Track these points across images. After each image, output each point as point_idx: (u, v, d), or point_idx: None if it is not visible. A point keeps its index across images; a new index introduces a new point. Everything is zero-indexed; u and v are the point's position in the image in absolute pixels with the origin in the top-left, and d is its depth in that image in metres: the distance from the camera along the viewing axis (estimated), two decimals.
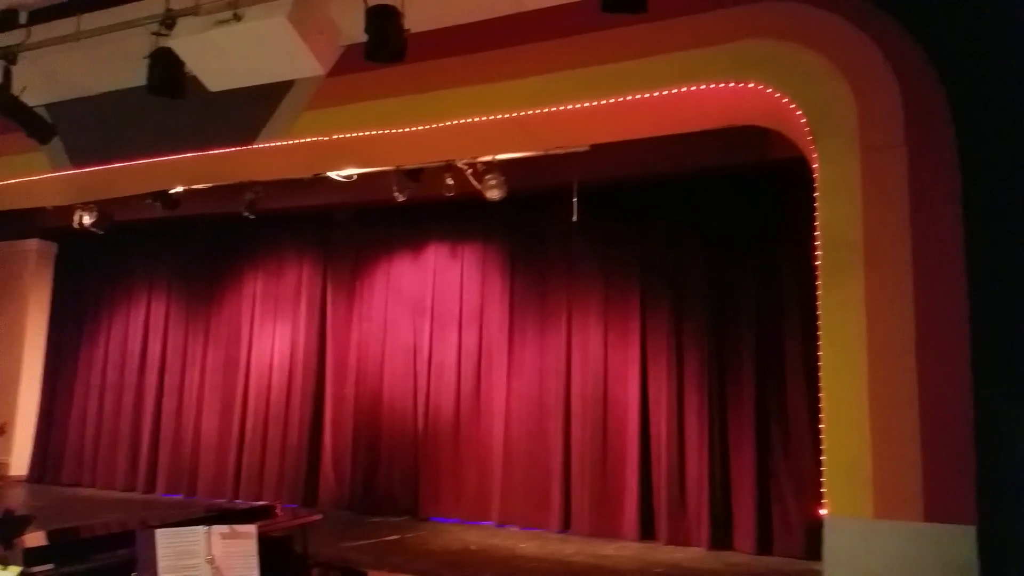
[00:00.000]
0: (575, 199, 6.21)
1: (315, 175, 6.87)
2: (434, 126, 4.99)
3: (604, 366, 6.76)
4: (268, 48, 4.21)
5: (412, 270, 7.85)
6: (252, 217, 7.65)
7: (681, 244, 6.69)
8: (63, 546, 3.76)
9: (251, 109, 5.39)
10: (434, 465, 7.29)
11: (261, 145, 5.46)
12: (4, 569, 2.92)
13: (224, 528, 3.10)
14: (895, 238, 3.93)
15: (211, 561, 3.03)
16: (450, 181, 6.38)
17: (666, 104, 4.64)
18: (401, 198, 6.59)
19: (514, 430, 7.02)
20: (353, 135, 5.23)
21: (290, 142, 5.39)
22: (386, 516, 7.23)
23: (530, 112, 4.79)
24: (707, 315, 6.45)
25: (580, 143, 5.72)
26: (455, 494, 7.16)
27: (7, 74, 4.85)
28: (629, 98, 4.55)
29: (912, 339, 3.83)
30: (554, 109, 4.73)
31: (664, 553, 5.88)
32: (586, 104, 4.65)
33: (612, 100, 4.59)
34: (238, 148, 5.54)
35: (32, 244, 9.50)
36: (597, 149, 5.74)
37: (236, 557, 3.09)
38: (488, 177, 6.20)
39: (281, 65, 4.38)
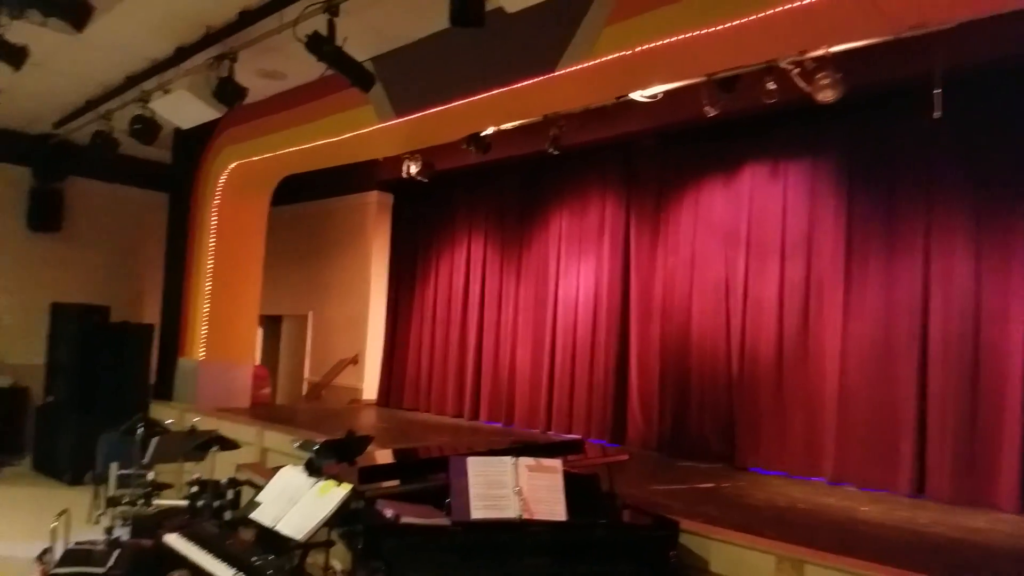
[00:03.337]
0: (937, 91, 4.97)
1: (618, 98, 6.53)
2: (755, 17, 4.22)
3: (976, 301, 5.46)
4: None
5: (724, 196, 7.10)
6: (557, 153, 7.64)
7: None
8: (395, 467, 4.00)
9: (552, 33, 5.18)
10: (753, 411, 6.61)
11: (562, 71, 5.22)
12: (338, 485, 3.11)
13: (530, 460, 2.97)
14: None
15: (519, 492, 2.93)
16: (772, 86, 5.52)
17: None
18: (712, 112, 5.93)
19: (852, 376, 6.04)
20: (661, 43, 4.68)
21: (593, 63, 5.06)
22: (697, 461, 6.77)
23: None
24: None
25: (943, 19, 4.57)
26: (779, 444, 6.43)
27: (331, 26, 5.19)
28: None
29: None
30: None
31: None
32: None
33: None
34: (541, 78, 5.37)
35: (373, 196, 10.62)
36: (966, 27, 4.61)
37: (542, 490, 2.94)
38: (820, 75, 5.23)
39: None
